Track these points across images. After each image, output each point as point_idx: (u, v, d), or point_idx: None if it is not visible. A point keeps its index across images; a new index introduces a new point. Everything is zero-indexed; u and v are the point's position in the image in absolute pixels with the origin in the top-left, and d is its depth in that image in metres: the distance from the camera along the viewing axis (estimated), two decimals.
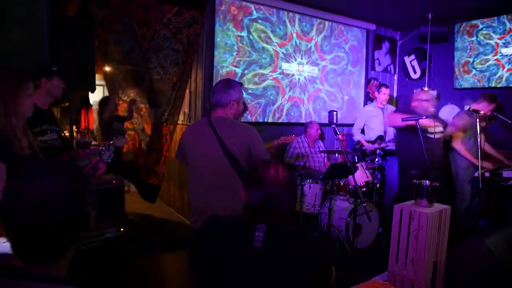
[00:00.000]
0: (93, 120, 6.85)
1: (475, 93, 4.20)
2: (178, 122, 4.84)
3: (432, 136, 3.46)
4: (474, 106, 3.55)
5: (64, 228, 0.82)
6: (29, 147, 1.71)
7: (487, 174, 3.66)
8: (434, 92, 3.54)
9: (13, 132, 1.62)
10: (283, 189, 1.27)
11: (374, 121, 4.82)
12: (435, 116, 3.47)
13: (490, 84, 4.92)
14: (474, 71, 5.12)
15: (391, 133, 4.74)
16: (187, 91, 4.55)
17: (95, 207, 0.88)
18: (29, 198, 0.79)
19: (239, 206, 1.36)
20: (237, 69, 4.44)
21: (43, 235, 0.80)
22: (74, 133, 4.47)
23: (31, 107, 1.77)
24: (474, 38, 5.08)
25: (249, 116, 4.56)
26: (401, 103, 6.07)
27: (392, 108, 5.02)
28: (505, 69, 4.81)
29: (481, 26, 4.99)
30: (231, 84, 2.15)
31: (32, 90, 1.77)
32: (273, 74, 4.76)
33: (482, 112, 3.19)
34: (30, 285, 0.79)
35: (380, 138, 4.70)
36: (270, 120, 4.79)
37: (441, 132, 3.50)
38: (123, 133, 3.99)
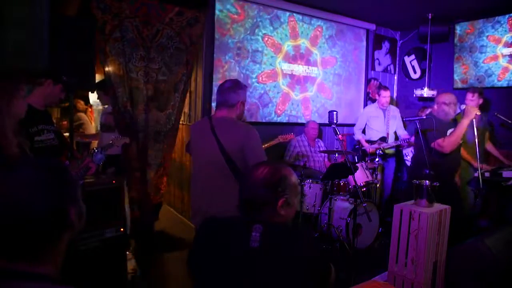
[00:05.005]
0: (93, 120, 6.84)
1: None
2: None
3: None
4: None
5: (40, 223, 0.79)
6: (19, 147, 1.70)
7: (487, 174, 3.66)
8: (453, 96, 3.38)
9: (3, 131, 1.60)
10: (260, 182, 1.27)
11: (375, 122, 4.82)
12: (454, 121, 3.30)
13: (490, 84, 4.92)
14: (474, 71, 5.11)
15: (393, 136, 4.74)
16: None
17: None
18: (3, 191, 0.78)
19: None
20: (236, 68, 4.44)
21: (20, 230, 0.78)
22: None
23: (24, 108, 1.77)
24: (474, 38, 5.08)
25: (253, 114, 4.56)
26: (402, 102, 6.07)
27: (394, 109, 5.01)
28: (505, 69, 4.80)
29: (481, 26, 4.99)
30: (239, 85, 2.09)
31: (25, 91, 1.77)
32: (273, 74, 4.76)
33: (478, 113, 3.16)
34: (14, 284, 0.76)
35: (383, 140, 4.70)
36: (268, 120, 4.78)
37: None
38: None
